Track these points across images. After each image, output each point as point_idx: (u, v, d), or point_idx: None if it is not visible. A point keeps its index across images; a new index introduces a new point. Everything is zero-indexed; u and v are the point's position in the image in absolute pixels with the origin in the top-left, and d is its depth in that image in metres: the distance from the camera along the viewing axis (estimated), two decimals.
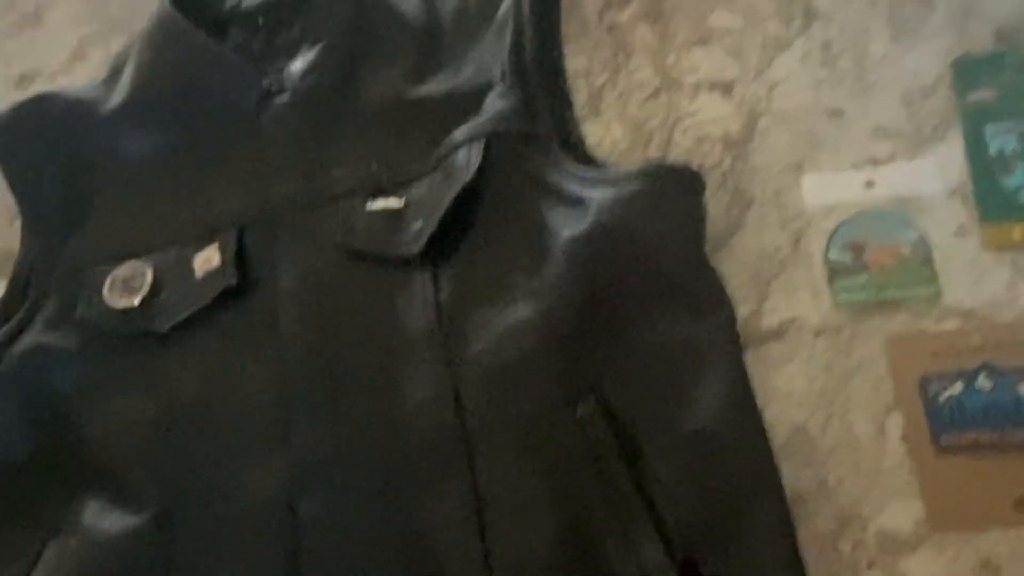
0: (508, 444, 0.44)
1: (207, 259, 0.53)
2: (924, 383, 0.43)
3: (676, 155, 0.52)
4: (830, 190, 0.49)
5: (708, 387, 0.43)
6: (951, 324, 0.45)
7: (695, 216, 0.46)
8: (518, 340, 0.46)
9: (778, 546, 0.41)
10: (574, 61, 0.56)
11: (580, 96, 0.55)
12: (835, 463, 0.43)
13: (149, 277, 0.53)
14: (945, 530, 0.41)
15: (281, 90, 0.56)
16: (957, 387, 0.43)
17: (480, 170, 0.49)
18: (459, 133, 0.52)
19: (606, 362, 0.45)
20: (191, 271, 0.53)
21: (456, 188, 0.49)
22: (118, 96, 0.58)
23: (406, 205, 0.51)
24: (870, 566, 0.41)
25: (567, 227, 0.47)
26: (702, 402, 0.43)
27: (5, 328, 0.54)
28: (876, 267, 0.47)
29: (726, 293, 0.44)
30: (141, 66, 0.59)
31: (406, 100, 0.55)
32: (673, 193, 0.46)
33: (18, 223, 0.60)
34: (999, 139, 0.47)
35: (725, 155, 0.52)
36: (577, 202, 0.48)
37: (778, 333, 0.47)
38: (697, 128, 0.53)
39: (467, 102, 0.53)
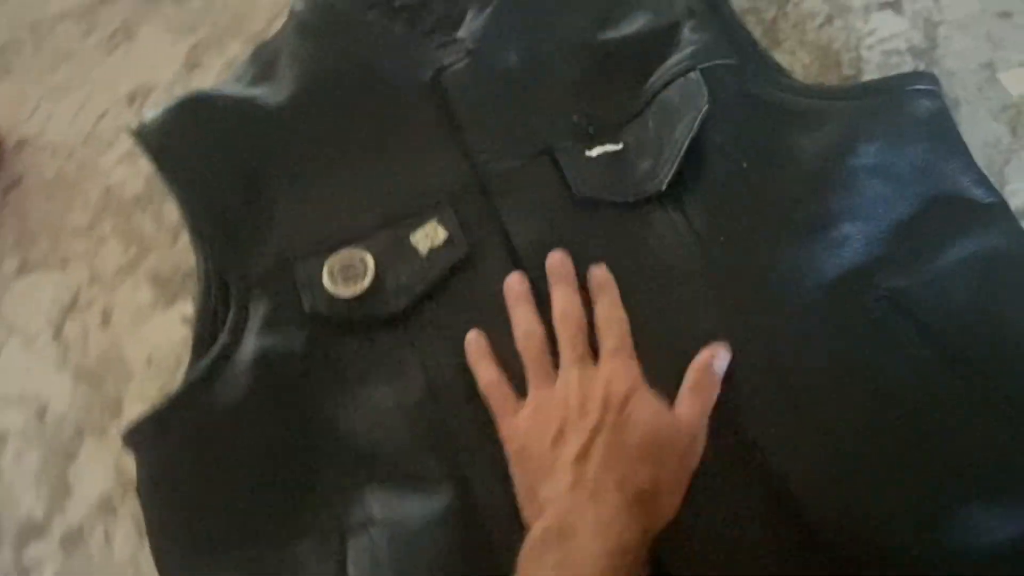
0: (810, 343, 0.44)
1: (427, 235, 0.51)
2: None
3: (869, 70, 0.55)
4: None
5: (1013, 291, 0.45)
6: None
7: (948, 118, 0.48)
8: (804, 257, 0.46)
9: None
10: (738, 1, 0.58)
11: (755, 31, 0.57)
12: None
13: (371, 262, 0.50)
14: None
15: (458, 60, 0.55)
16: None
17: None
18: (664, 70, 0.52)
19: (899, 272, 0.46)
20: (413, 250, 0.51)
21: (690, 121, 0.49)
22: (283, 90, 0.56)
23: (625, 147, 0.51)
24: None
25: (817, 142, 0.48)
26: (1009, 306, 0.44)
27: (221, 340, 0.50)
28: None
29: (997, 190, 0.47)
30: (303, 58, 0.56)
31: (595, 46, 0.55)
32: (920, 99, 0.48)
33: (183, 241, 0.56)
34: None
35: (917, 63, 0.54)
36: (814, 118, 0.49)
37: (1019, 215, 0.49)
38: (881, 44, 0.55)
39: (660, 40, 0.54)
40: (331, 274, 0.51)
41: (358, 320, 0.50)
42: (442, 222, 0.51)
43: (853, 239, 0.47)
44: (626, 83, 0.54)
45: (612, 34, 0.55)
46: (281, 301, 0.51)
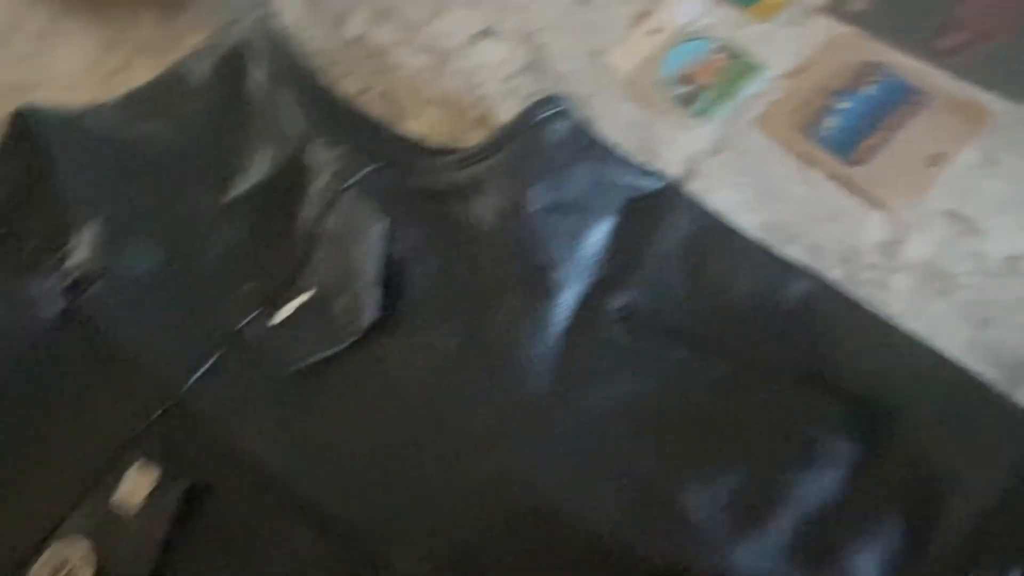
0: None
1: (135, 486, 0.43)
2: (807, 131, 0.50)
3: (496, 102, 0.54)
4: (632, 54, 0.55)
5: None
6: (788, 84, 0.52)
7: (584, 129, 0.48)
8: (534, 319, 0.44)
9: None
10: (343, 84, 0.55)
11: (377, 109, 0.54)
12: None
13: (82, 547, 0.41)
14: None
15: (88, 282, 0.47)
16: (832, 120, 0.51)
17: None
18: (314, 199, 0.49)
19: (618, 289, 0.45)
20: (117, 513, 0.42)
21: (372, 242, 0.46)
22: None
23: (318, 291, 0.47)
24: None
25: (489, 207, 0.47)
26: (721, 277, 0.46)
27: None
28: (710, 80, 0.53)
29: (659, 174, 0.48)
30: None
31: (230, 208, 0.50)
32: (552, 124, 0.48)
33: None
34: None
35: (534, 78, 0.54)
36: (477, 186, 0.48)
37: (689, 176, 0.50)
38: (494, 74, 0.55)
39: (293, 172, 0.50)
40: None
41: None
42: (150, 459, 0.43)
43: (564, 280, 0.45)
44: (278, 231, 0.49)
45: (242, 187, 0.50)
46: None
